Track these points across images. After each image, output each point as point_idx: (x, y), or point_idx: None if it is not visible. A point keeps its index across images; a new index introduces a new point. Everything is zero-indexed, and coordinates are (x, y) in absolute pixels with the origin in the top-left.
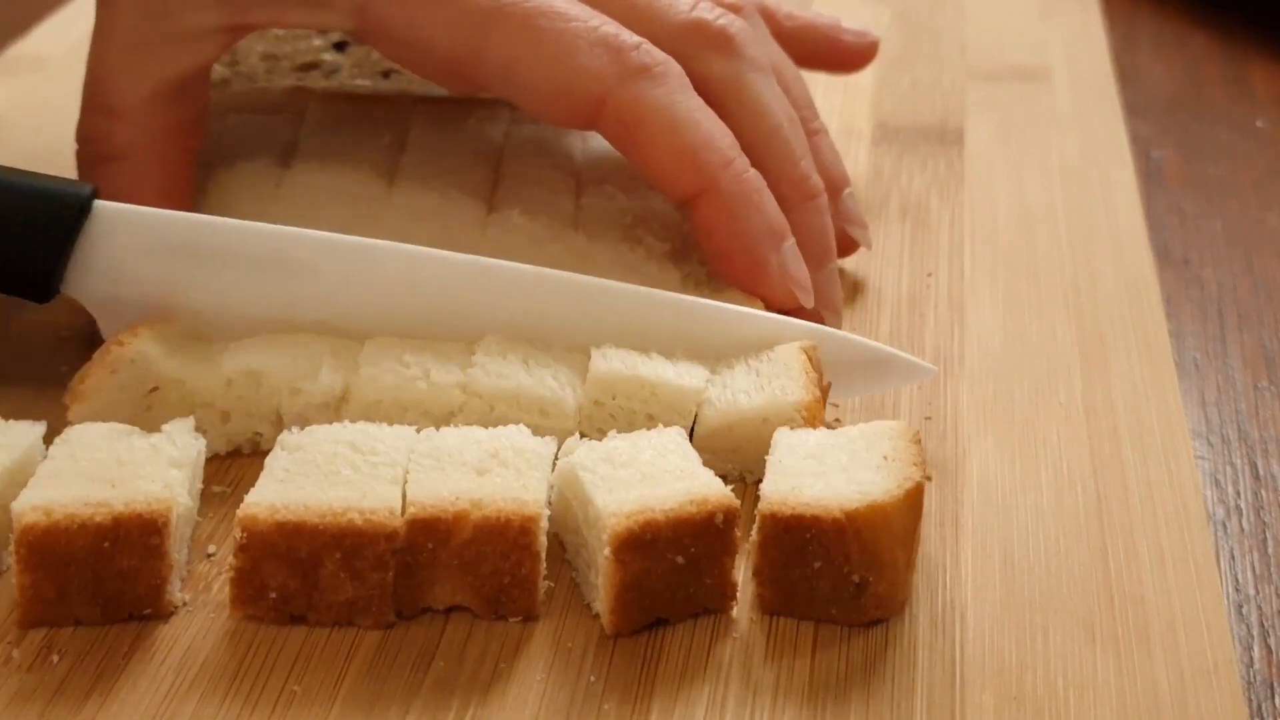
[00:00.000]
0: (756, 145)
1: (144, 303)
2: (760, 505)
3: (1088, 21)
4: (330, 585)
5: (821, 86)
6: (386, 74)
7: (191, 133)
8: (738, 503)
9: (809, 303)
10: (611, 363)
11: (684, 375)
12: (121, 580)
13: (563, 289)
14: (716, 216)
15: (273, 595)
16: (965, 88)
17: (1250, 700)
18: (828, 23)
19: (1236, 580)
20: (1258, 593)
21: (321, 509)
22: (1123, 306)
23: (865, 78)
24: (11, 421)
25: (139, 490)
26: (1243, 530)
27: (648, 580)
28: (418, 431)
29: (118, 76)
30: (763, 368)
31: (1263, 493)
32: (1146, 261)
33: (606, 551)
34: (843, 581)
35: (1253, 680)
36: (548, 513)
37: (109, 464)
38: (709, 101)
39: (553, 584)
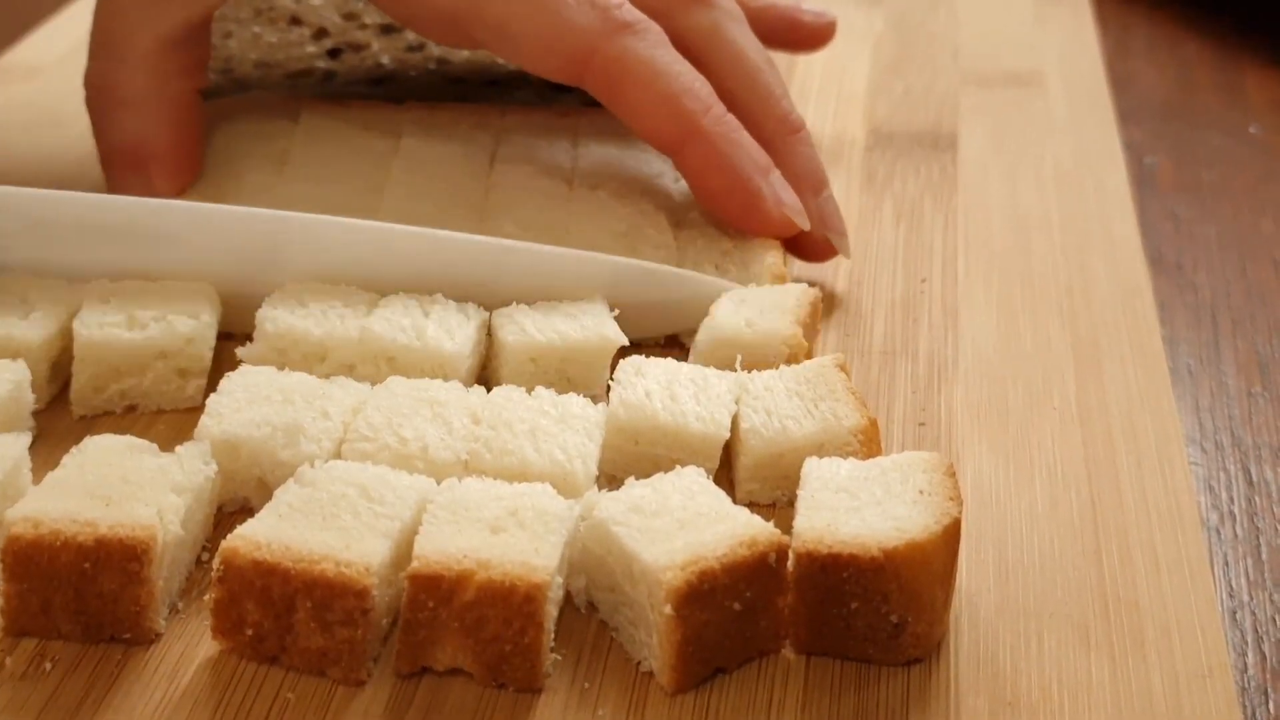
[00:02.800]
0: (738, 88)
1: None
2: (795, 543)
3: (1081, 27)
4: (303, 632)
5: (815, 91)
6: (379, 81)
7: (196, 75)
8: (787, 539)
9: (805, 224)
10: (631, 411)
11: (707, 420)
12: (102, 602)
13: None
14: (704, 158)
15: (249, 632)
16: (959, 93)
17: (1244, 706)
18: (788, 3)
19: (1230, 586)
20: (1251, 598)
21: (299, 554)
22: (1116, 312)
23: (858, 83)
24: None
25: (127, 513)
26: (1236, 536)
27: (707, 632)
28: (438, 483)
29: (127, 26)
30: (804, 390)
31: (1256, 499)
32: (1140, 267)
33: (667, 609)
34: (880, 621)
35: (1246, 685)
36: (560, 581)
37: (113, 481)
38: (690, 54)
39: (560, 657)
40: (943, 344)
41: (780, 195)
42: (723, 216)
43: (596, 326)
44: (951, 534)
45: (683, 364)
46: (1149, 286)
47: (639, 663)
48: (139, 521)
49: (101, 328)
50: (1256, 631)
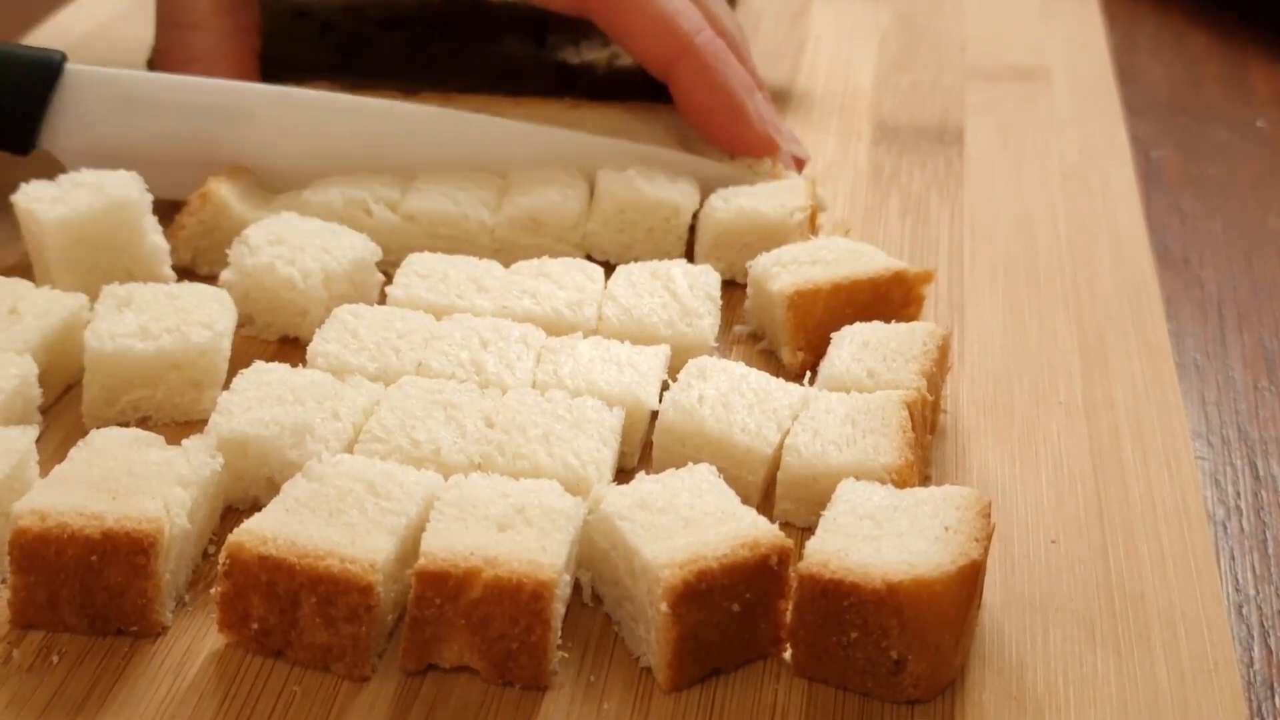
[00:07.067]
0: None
1: (109, 153)
2: (800, 564)
3: (1087, 22)
4: (308, 627)
5: (821, 85)
6: (386, 75)
7: (252, 34)
8: (790, 542)
9: (783, 143)
10: (680, 415)
11: (753, 433)
12: (109, 595)
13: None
14: (695, 74)
15: (254, 626)
16: (965, 88)
17: (1250, 700)
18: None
19: (1237, 580)
20: (1258, 593)
21: (304, 549)
22: (1123, 306)
23: (865, 78)
24: (4, 429)
25: (134, 507)
26: (1243, 530)
27: (704, 631)
28: (445, 479)
29: None
30: (859, 418)
31: (1263, 493)
32: (1146, 261)
33: (663, 606)
34: (880, 656)
35: (1253, 680)
36: (567, 579)
37: (119, 474)
38: None
39: (566, 654)
40: (948, 338)
41: (764, 113)
42: (709, 132)
43: (634, 386)
44: (967, 576)
45: (750, 371)
46: (1155, 281)
47: (638, 658)
48: (145, 515)
49: (114, 339)
50: (1263, 626)
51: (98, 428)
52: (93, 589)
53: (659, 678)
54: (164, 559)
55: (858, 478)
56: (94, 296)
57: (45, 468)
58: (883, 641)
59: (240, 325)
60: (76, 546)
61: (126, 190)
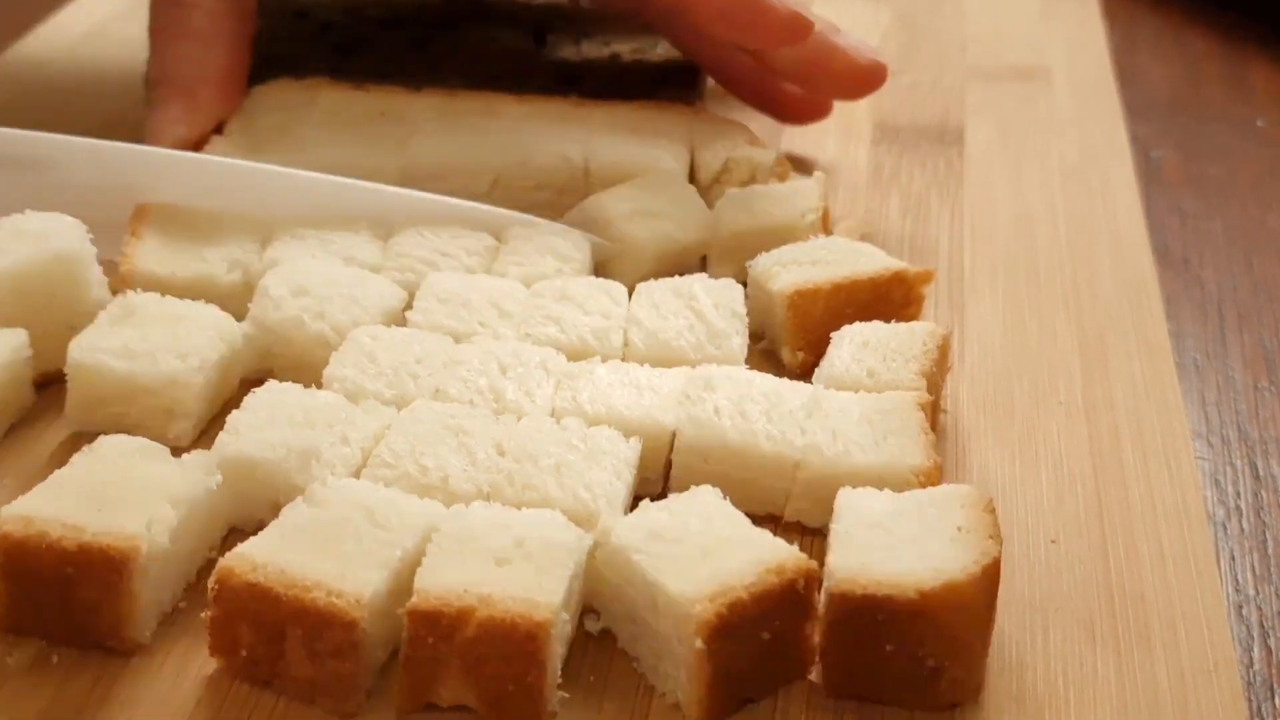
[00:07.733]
0: None
1: None
2: (828, 584)
3: (1087, 22)
4: (293, 660)
5: None
6: (388, 74)
7: (247, 19)
8: (815, 564)
9: (811, 20)
10: (700, 429)
11: (777, 439)
12: (85, 610)
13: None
14: None
15: (244, 653)
16: (965, 88)
17: (1250, 700)
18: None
19: (1236, 580)
20: (1258, 593)
21: (292, 579)
22: (1123, 306)
23: None
24: None
25: (115, 522)
26: (1243, 531)
27: (736, 663)
28: (449, 507)
29: None
30: (876, 419)
31: (1263, 493)
32: (1146, 261)
33: (697, 643)
34: (916, 666)
35: (1252, 680)
36: (566, 617)
37: (115, 484)
38: None
39: (567, 695)
40: (949, 338)
41: None
42: (730, 35)
43: (654, 409)
44: (991, 575)
45: (755, 375)
46: (1155, 281)
47: (663, 694)
48: (123, 532)
49: (93, 352)
50: (1263, 627)
51: (78, 430)
52: (70, 601)
53: (690, 715)
54: (140, 578)
55: (884, 479)
56: None
57: (49, 468)
58: (919, 651)
59: (259, 380)
60: (54, 557)
61: (69, 241)
